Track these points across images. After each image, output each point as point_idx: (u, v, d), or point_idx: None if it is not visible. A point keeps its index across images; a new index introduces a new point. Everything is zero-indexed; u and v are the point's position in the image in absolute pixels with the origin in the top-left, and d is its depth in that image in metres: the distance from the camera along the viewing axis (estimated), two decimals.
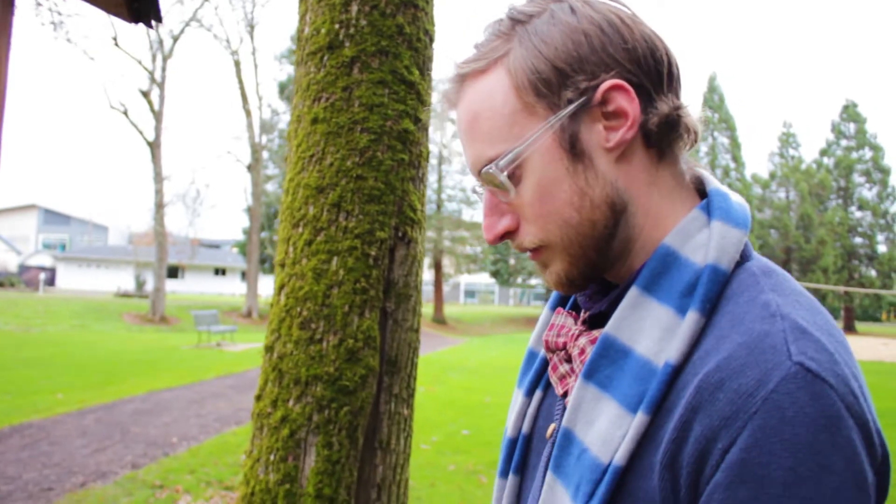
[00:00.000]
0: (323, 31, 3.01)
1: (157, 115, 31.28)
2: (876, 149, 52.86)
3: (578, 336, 0.93)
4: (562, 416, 0.93)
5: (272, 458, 2.81)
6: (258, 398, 2.95)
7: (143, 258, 50.83)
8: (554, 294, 1.08)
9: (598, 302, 0.95)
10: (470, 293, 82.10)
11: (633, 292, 0.86)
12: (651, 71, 0.87)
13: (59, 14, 26.67)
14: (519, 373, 1.10)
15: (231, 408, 11.42)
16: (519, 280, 52.58)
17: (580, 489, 0.81)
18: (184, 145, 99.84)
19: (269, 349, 2.96)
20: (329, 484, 2.74)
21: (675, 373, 0.78)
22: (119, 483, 6.91)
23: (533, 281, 53.53)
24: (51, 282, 58.49)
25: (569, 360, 0.94)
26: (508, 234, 0.93)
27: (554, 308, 1.06)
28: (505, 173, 0.87)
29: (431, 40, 3.19)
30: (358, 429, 2.80)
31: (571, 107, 0.85)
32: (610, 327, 0.86)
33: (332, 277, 2.83)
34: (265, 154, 37.46)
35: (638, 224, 0.89)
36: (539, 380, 1.05)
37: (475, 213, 50.53)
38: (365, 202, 2.87)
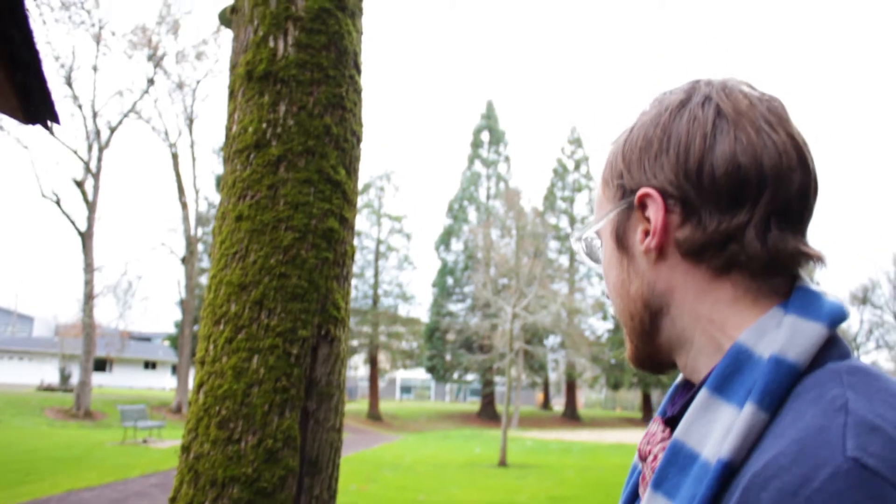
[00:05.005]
0: (250, 129, 3.05)
1: (91, 206, 30.84)
2: None
3: (660, 442, 0.88)
4: None
5: None
6: (172, 501, 2.85)
7: (69, 350, 49.20)
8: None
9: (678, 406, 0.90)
10: (406, 388, 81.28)
11: (702, 394, 0.79)
12: (710, 187, 0.80)
13: None
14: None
15: None
16: (455, 375, 52.12)
17: None
18: (117, 236, 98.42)
19: (185, 449, 2.88)
20: None
21: (729, 471, 0.70)
22: None
23: (469, 377, 53.08)
24: None
25: None
26: None
27: (662, 414, 0.97)
28: (582, 244, 0.93)
29: (359, 140, 3.25)
30: None
31: (623, 203, 0.87)
32: (678, 432, 0.79)
33: (252, 376, 2.79)
34: (200, 247, 37.11)
35: (687, 326, 0.84)
36: (637, 492, 0.97)
37: (411, 309, 50.41)
38: (288, 300, 2.87)
